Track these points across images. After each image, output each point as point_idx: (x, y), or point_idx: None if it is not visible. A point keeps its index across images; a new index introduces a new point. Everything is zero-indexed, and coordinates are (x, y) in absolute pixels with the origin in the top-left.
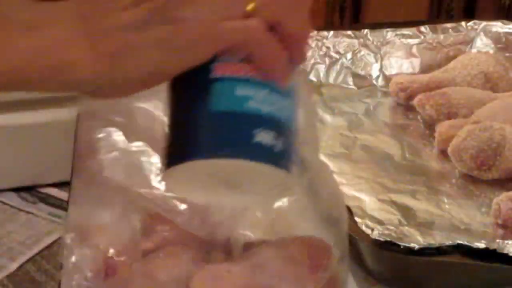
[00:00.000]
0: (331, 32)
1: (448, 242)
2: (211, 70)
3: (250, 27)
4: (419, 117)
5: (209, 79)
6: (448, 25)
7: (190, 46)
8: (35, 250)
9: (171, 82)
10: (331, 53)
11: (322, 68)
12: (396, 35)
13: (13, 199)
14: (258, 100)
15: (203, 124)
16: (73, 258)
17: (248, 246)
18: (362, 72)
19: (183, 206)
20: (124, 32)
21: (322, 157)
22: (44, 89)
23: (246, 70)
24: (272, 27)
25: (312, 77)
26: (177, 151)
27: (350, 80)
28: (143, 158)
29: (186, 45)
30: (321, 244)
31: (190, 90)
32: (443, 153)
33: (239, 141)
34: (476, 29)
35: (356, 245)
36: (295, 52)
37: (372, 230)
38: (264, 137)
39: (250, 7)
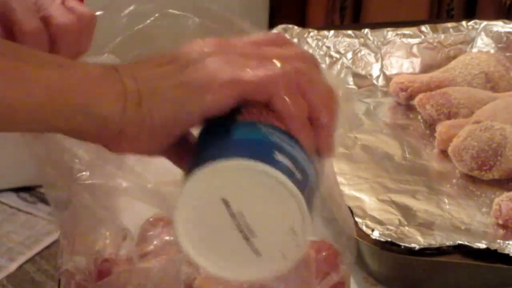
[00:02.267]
0: (332, 32)
1: (449, 243)
2: (236, 118)
3: (272, 76)
4: (419, 117)
5: (235, 122)
6: (449, 24)
7: (212, 87)
8: (35, 250)
9: (200, 133)
10: (332, 52)
11: (322, 68)
12: (397, 34)
13: (12, 199)
14: (281, 141)
15: (226, 147)
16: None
17: None
18: (363, 72)
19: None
20: (153, 79)
21: None
22: (63, 129)
23: (271, 120)
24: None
25: None
26: (198, 163)
27: (350, 80)
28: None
29: (207, 86)
30: (330, 250)
31: (216, 132)
32: (444, 153)
33: (263, 154)
34: (477, 28)
35: (356, 245)
36: (320, 136)
37: (372, 230)
38: (285, 160)
39: (278, 63)
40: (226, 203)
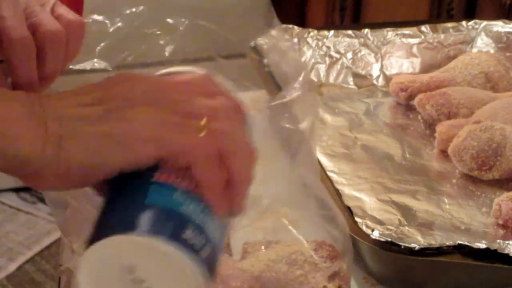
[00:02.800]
0: (332, 32)
1: (449, 242)
2: (152, 176)
3: (194, 144)
4: (419, 117)
5: (149, 182)
6: (449, 24)
7: (133, 144)
8: (35, 250)
9: (110, 182)
10: (332, 52)
11: (322, 67)
12: (397, 34)
13: (12, 199)
14: (193, 210)
15: (135, 213)
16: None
17: (251, 247)
18: (363, 72)
19: None
20: (76, 122)
21: (322, 157)
22: None
23: (186, 184)
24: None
25: (312, 76)
26: (105, 230)
27: (350, 80)
28: None
29: (129, 143)
30: (330, 250)
31: (128, 189)
32: (444, 153)
33: (169, 231)
34: (477, 28)
35: (356, 245)
36: (234, 199)
37: (372, 230)
38: (193, 238)
39: (203, 122)
40: (129, 269)
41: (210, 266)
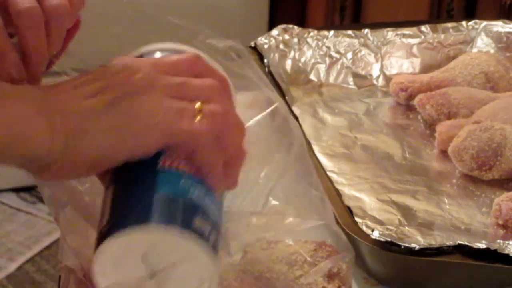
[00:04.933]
0: (332, 32)
1: (449, 243)
2: (157, 162)
3: (197, 132)
4: (419, 117)
5: (156, 169)
6: (449, 24)
7: (139, 135)
8: (35, 250)
9: (116, 170)
10: (332, 52)
11: (322, 68)
12: (397, 35)
13: (12, 199)
14: (198, 195)
15: (148, 203)
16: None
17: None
18: (363, 72)
19: None
20: (82, 117)
21: (322, 157)
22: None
23: (189, 168)
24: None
25: (312, 77)
26: (119, 221)
27: (350, 80)
28: None
29: (135, 133)
30: (330, 251)
31: (136, 177)
32: (444, 153)
33: (182, 220)
34: (477, 28)
35: (356, 245)
36: (231, 175)
37: (373, 230)
38: (202, 225)
39: (198, 105)
40: (143, 258)
41: (216, 248)
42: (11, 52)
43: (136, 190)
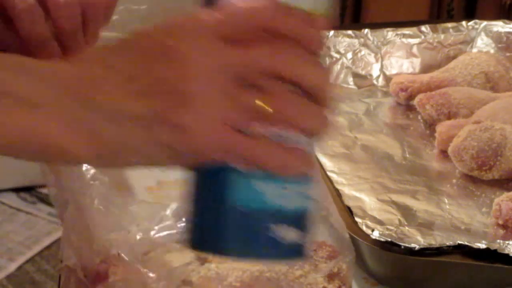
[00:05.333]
0: (332, 32)
1: (449, 243)
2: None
3: (251, 147)
4: (419, 117)
5: (227, 173)
6: (449, 24)
7: (191, 154)
8: (35, 250)
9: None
10: (332, 53)
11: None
12: (397, 35)
13: (12, 199)
14: (273, 195)
15: (224, 219)
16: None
17: None
18: (363, 72)
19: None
20: (129, 125)
21: (322, 157)
22: (36, 161)
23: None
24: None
25: None
26: (205, 238)
27: (350, 80)
28: None
29: (187, 152)
30: (330, 251)
31: (208, 185)
32: (444, 153)
33: (259, 241)
34: (477, 28)
35: (356, 245)
36: (319, 103)
37: (372, 230)
38: (280, 232)
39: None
40: None
41: (298, 245)
42: (51, 40)
43: (212, 202)
